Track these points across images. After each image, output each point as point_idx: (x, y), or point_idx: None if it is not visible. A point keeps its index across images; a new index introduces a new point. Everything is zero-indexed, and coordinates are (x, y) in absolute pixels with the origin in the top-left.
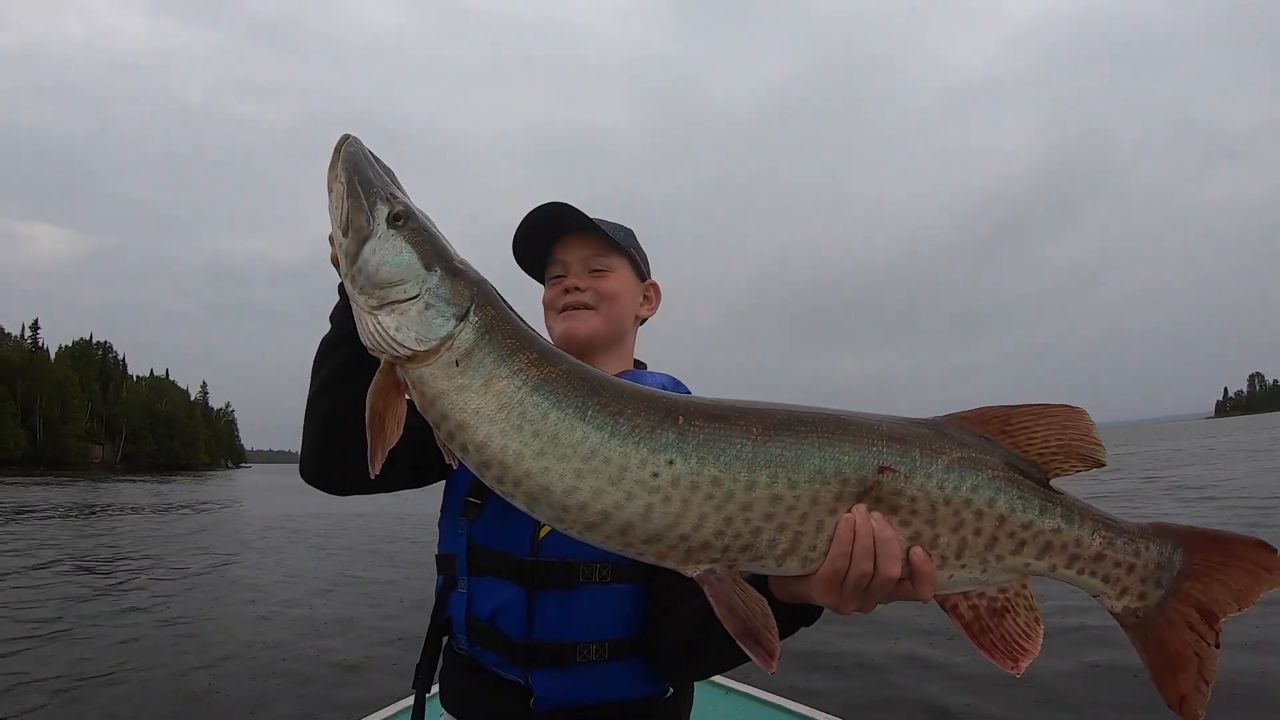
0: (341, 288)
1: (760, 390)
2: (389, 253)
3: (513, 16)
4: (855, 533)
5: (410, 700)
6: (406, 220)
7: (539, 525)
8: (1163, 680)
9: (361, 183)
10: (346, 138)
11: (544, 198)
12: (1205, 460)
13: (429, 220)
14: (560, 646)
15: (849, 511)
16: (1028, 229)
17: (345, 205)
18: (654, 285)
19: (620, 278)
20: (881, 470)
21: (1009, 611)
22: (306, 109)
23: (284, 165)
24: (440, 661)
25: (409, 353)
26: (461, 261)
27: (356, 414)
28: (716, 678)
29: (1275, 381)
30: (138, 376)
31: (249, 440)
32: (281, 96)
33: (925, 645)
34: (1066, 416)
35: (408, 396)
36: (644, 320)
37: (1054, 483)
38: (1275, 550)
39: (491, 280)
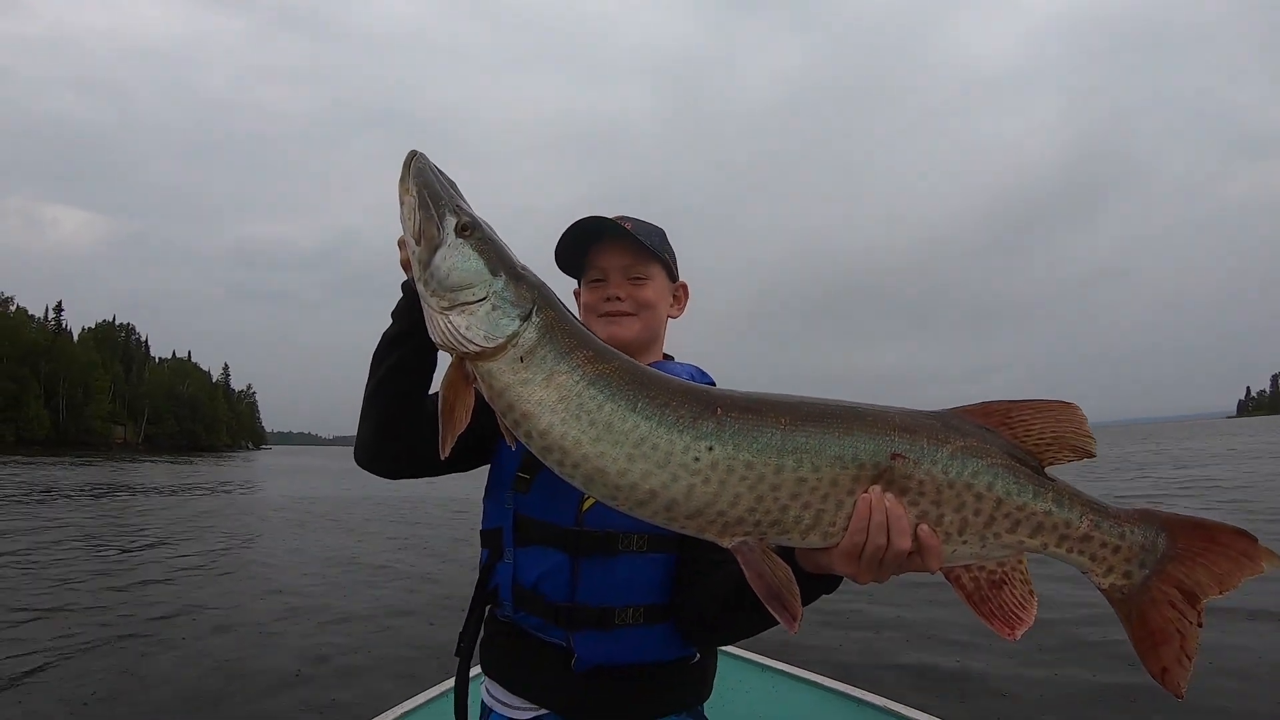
0: (406, 288)
1: (777, 382)
2: (458, 259)
3: (534, 3)
4: (871, 510)
5: (447, 684)
6: (474, 230)
7: (582, 498)
8: (1146, 652)
9: (431, 195)
10: (414, 154)
11: (564, 184)
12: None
13: (492, 229)
14: (601, 610)
15: (866, 492)
16: (1049, 222)
17: (418, 216)
18: (683, 286)
19: (656, 286)
20: (894, 457)
21: (1006, 584)
22: (330, 95)
23: (308, 151)
24: (481, 632)
25: (478, 349)
26: (523, 267)
27: (415, 404)
28: (751, 654)
29: None
30: (160, 358)
31: (269, 422)
32: (305, 83)
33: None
34: (1061, 411)
35: (475, 388)
36: (674, 318)
37: (1050, 470)
38: (1256, 539)
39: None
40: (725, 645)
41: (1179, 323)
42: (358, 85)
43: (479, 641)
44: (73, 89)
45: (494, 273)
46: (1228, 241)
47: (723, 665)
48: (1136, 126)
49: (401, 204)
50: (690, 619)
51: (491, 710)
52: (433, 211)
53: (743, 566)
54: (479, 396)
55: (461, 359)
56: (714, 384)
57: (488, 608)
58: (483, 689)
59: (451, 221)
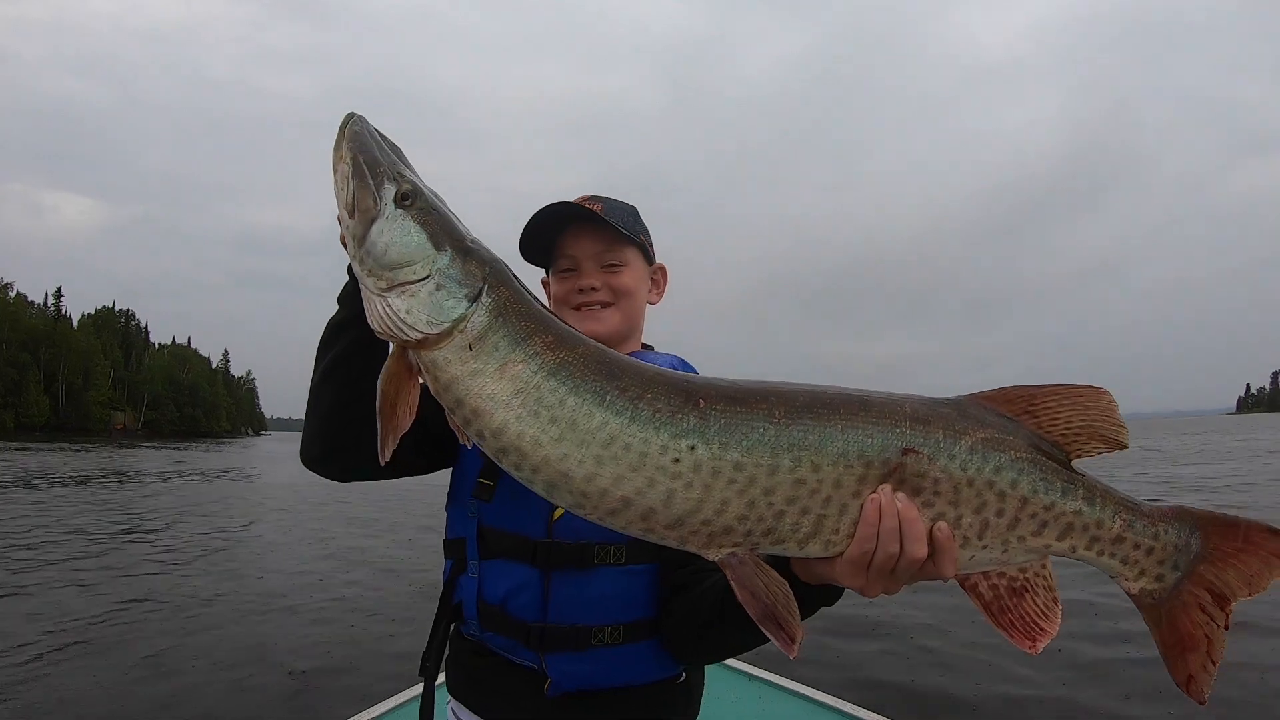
0: (351, 269)
1: (773, 371)
2: (397, 233)
3: None
4: (881, 514)
5: (418, 689)
6: (415, 199)
7: (553, 506)
8: (1173, 659)
9: (367, 161)
10: (351, 115)
11: (567, 167)
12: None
13: (439, 198)
14: (576, 630)
15: (873, 493)
16: (1049, 214)
17: (351, 185)
18: (661, 269)
19: (633, 271)
20: (905, 452)
21: (1028, 591)
22: (333, 79)
23: (310, 136)
24: (447, 648)
25: (420, 336)
26: (473, 240)
27: (363, 400)
28: (738, 664)
29: None
30: (160, 345)
31: (269, 408)
32: (308, 67)
33: (942, 630)
34: (1090, 398)
35: (421, 381)
36: (653, 304)
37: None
38: None
39: (506, 259)
40: (712, 661)
41: (1179, 318)
42: (360, 68)
43: (445, 659)
44: (74, 73)
45: (438, 247)
46: (1229, 237)
47: (709, 675)
48: (1139, 119)
49: (334, 172)
50: (677, 635)
51: None
52: (369, 180)
53: (733, 584)
54: (426, 391)
55: (404, 348)
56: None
57: (453, 624)
58: (449, 709)
59: (390, 190)
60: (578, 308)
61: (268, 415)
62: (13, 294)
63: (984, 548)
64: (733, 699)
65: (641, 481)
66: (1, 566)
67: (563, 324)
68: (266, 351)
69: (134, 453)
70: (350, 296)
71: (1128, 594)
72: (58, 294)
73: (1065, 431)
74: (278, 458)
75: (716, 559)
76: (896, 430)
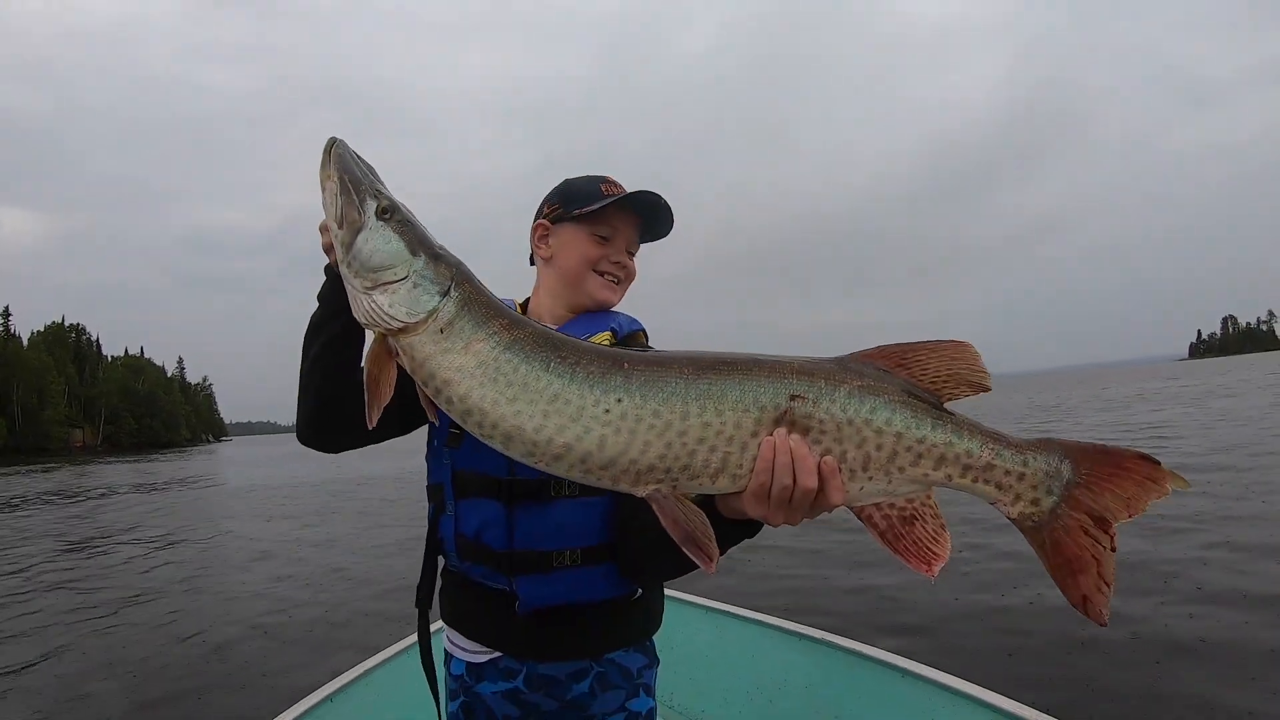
0: (328, 271)
1: (723, 340)
2: (379, 241)
3: None
4: (775, 451)
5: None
6: (393, 213)
7: None
8: (1064, 581)
9: (351, 181)
10: (334, 140)
11: (516, 152)
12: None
13: (410, 212)
14: (539, 554)
15: (770, 435)
16: (991, 178)
17: (339, 201)
18: None
19: (636, 260)
20: (792, 398)
21: (917, 520)
22: (277, 72)
23: (255, 131)
24: (439, 582)
25: (400, 325)
26: (440, 247)
27: (347, 382)
28: (700, 599)
29: (1247, 324)
30: (113, 357)
31: (228, 413)
32: (250, 60)
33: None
34: (955, 350)
35: (398, 362)
36: None
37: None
38: (1159, 463)
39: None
40: (664, 581)
41: (1128, 272)
42: (301, 61)
43: (437, 590)
44: (6, 79)
45: (414, 253)
46: (1177, 192)
47: (670, 611)
48: (1079, 79)
49: (323, 189)
50: (627, 560)
51: (452, 656)
52: (353, 196)
53: (658, 514)
54: (401, 369)
55: (384, 335)
56: (644, 330)
57: (440, 559)
58: (444, 637)
59: (372, 205)
60: (604, 273)
61: (227, 420)
62: None
63: (870, 479)
64: (688, 626)
65: (579, 430)
66: None
67: (513, 311)
68: (221, 355)
69: (97, 469)
70: (329, 295)
71: (1009, 519)
72: (5, 313)
73: (935, 379)
74: (244, 462)
75: (644, 495)
76: (784, 381)
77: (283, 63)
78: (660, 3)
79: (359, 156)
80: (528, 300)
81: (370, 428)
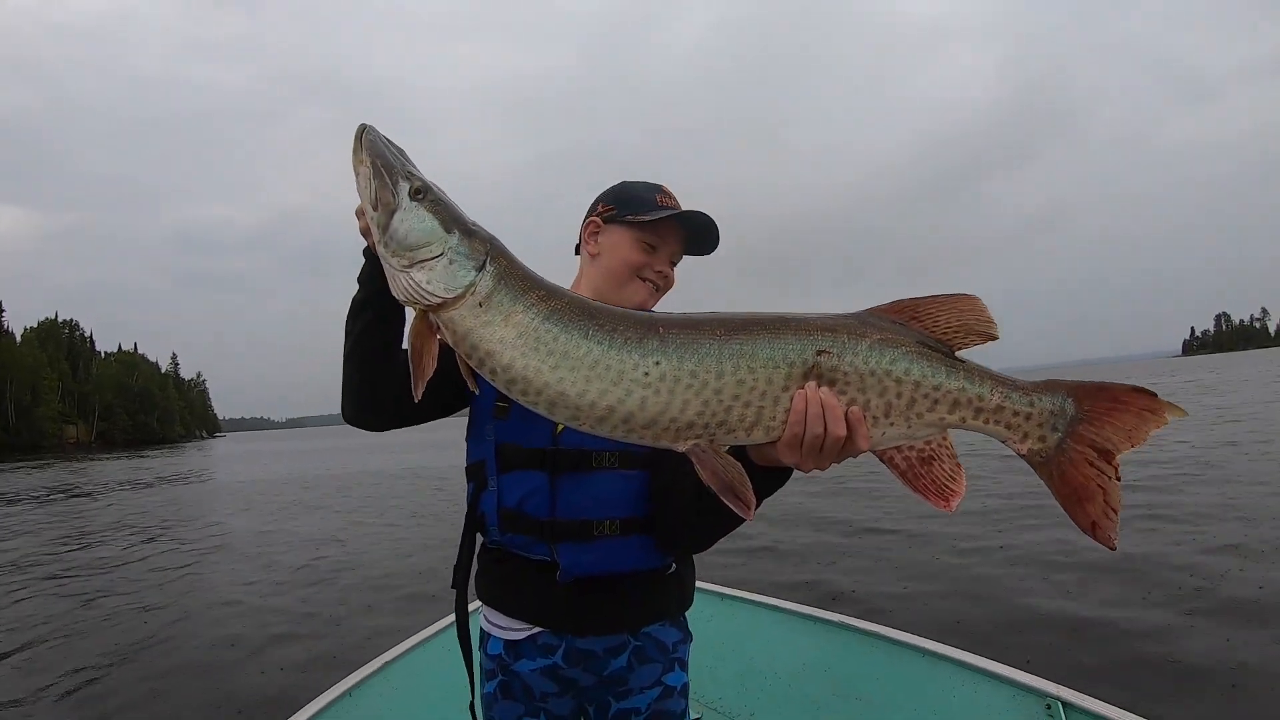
0: (367, 254)
1: None
2: (415, 221)
3: None
4: (807, 403)
5: (450, 619)
6: (426, 193)
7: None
8: (1073, 509)
9: (384, 164)
10: (364, 126)
11: (511, 149)
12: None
13: (443, 192)
14: (580, 523)
15: (800, 388)
16: (986, 173)
17: (374, 185)
18: None
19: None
20: (819, 353)
21: (935, 460)
22: (268, 69)
23: (248, 128)
24: (476, 565)
25: (439, 300)
26: (474, 224)
27: (389, 361)
28: (712, 586)
29: (1240, 321)
30: (106, 353)
31: (221, 409)
32: (242, 57)
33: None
34: (963, 302)
35: (440, 337)
36: None
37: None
38: (1156, 395)
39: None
40: (701, 549)
41: (1122, 268)
42: (295, 57)
43: (474, 574)
44: None
45: (448, 230)
46: (1171, 188)
47: (700, 604)
48: (1072, 75)
49: (357, 175)
50: (666, 528)
51: (490, 636)
52: (387, 179)
53: (697, 467)
54: (444, 345)
55: (425, 311)
56: None
57: (479, 542)
58: (481, 616)
59: (405, 186)
60: (646, 279)
61: (221, 417)
62: None
63: (891, 425)
64: (716, 616)
65: (621, 392)
66: None
67: (549, 282)
68: (215, 352)
69: (92, 466)
70: (369, 278)
71: (1020, 456)
72: None
73: (946, 330)
74: (239, 458)
75: (684, 449)
76: (811, 338)
77: (277, 59)
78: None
79: (389, 141)
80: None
81: (416, 400)
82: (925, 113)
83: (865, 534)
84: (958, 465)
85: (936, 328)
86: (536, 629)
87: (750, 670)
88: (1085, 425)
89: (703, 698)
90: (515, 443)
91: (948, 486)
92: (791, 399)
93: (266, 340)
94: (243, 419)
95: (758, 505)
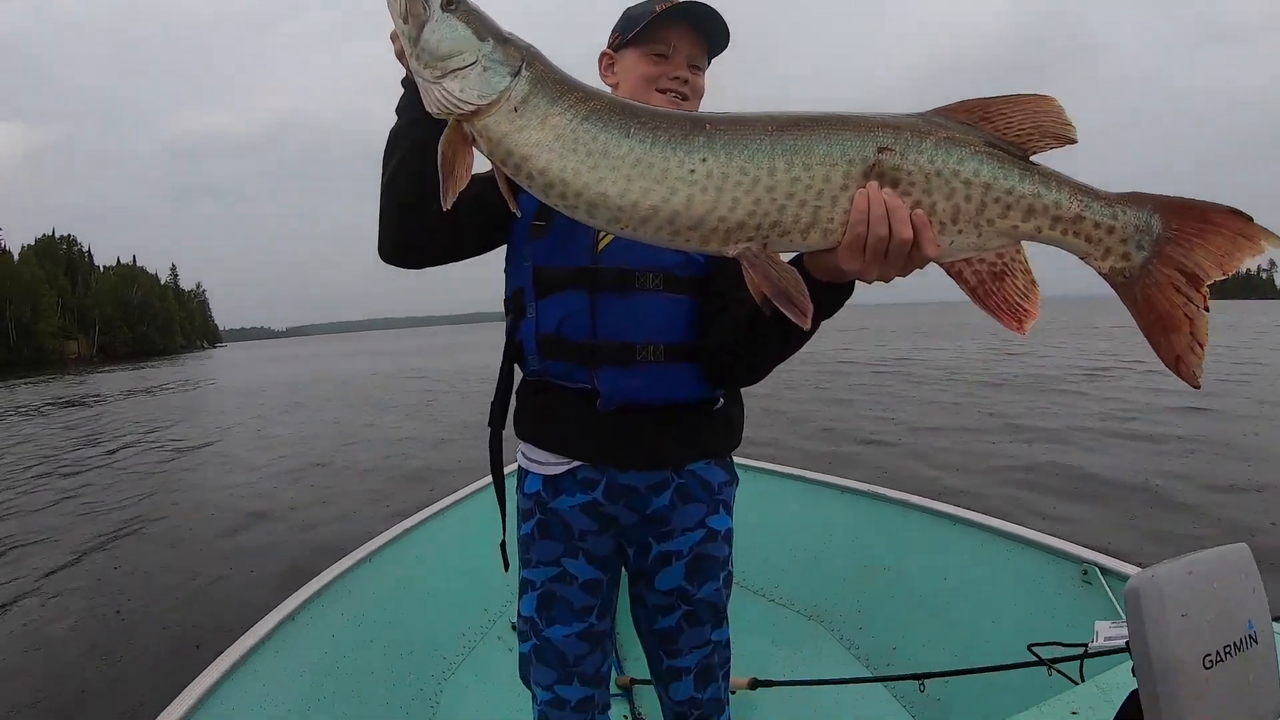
0: (406, 83)
1: None
2: (447, 30)
3: None
4: (870, 203)
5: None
6: (459, 4)
7: (597, 238)
8: (1157, 340)
9: None
10: None
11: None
12: None
13: (478, 5)
14: (622, 345)
15: (861, 187)
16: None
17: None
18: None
19: (704, 75)
20: (880, 150)
21: (1008, 275)
22: None
23: (238, 34)
24: (514, 403)
25: (473, 108)
26: (509, 33)
27: (429, 189)
28: (737, 459)
29: (1248, 271)
30: (105, 267)
31: (222, 320)
32: None
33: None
34: (1038, 102)
35: (475, 148)
36: None
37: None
38: (1251, 218)
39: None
40: (754, 379)
41: None
42: None
43: (512, 413)
44: None
45: (481, 38)
46: (1182, 130)
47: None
48: (1091, 9)
49: None
50: (715, 356)
51: (528, 473)
52: None
53: (749, 272)
54: (486, 177)
55: (459, 121)
56: None
57: (518, 379)
58: (519, 454)
59: None
60: (665, 90)
61: (221, 327)
62: None
63: (960, 232)
64: (743, 490)
65: (666, 191)
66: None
67: (587, 84)
68: (214, 262)
69: (94, 378)
70: (406, 105)
71: (1100, 275)
72: None
73: (1019, 132)
74: (241, 364)
75: (735, 254)
76: (871, 134)
77: None
78: None
79: None
80: None
81: (445, 209)
82: (928, 39)
83: (891, 422)
84: (1032, 283)
85: (1009, 129)
86: (576, 463)
87: (773, 542)
88: (1173, 246)
89: None
90: (553, 264)
91: (1020, 305)
92: (851, 199)
93: (265, 250)
94: (243, 329)
95: (818, 323)
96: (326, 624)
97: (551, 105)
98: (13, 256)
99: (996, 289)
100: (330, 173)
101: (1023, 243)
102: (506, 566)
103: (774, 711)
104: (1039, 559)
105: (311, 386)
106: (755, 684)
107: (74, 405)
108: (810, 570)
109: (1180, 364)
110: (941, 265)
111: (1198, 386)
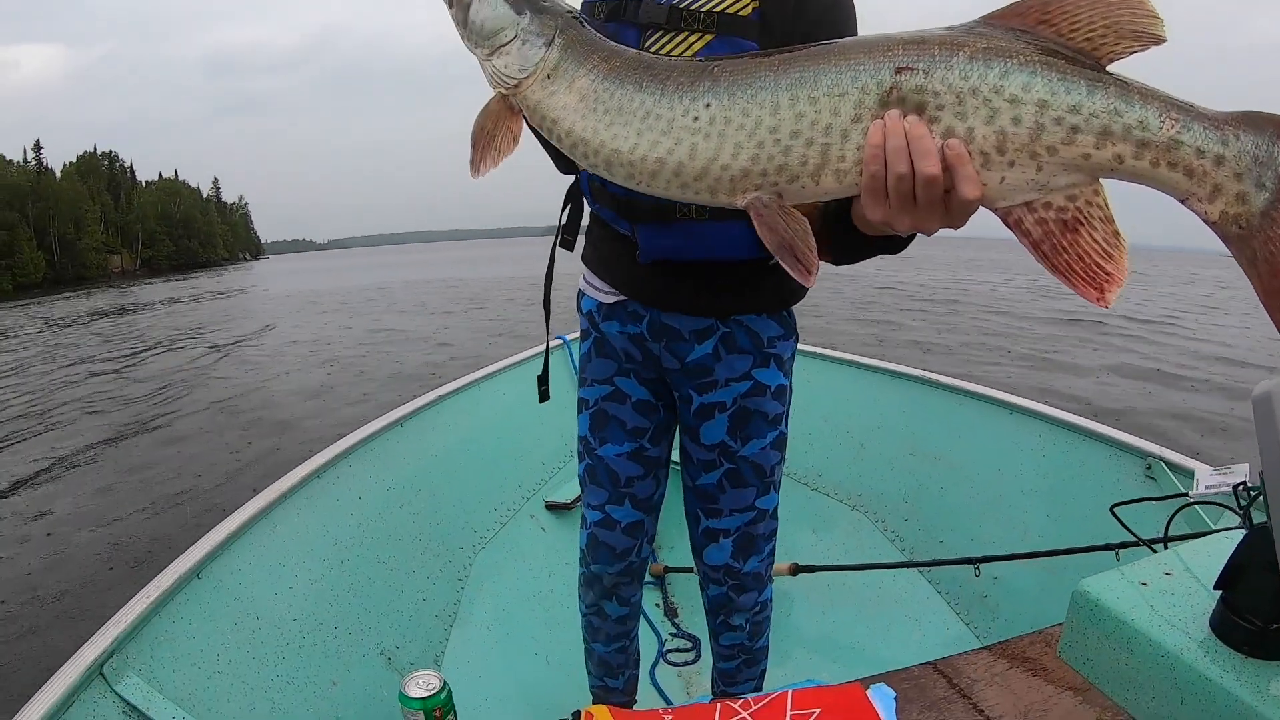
0: None
1: None
2: (488, 9)
3: None
4: (885, 134)
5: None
6: None
7: None
8: (1277, 311)
9: None
10: None
11: None
12: None
13: None
14: (659, 205)
15: (879, 118)
16: None
17: None
18: None
19: None
20: (899, 71)
21: (1082, 225)
22: None
23: None
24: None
25: (516, 81)
26: (549, 2)
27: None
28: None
29: None
30: (147, 182)
31: (264, 233)
32: None
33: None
34: None
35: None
36: None
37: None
38: None
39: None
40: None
41: None
42: None
43: (582, 229)
44: None
45: (519, 12)
46: (1242, 84)
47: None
48: None
49: None
50: None
51: (584, 294)
52: None
53: (755, 223)
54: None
55: (505, 94)
56: None
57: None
58: (581, 276)
59: None
60: None
61: (264, 239)
62: None
63: (1010, 166)
64: (808, 377)
65: (671, 142)
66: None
67: (615, 45)
68: (256, 175)
69: (137, 289)
70: None
71: (1207, 223)
72: (36, 147)
73: (1090, 35)
74: (286, 274)
75: (743, 205)
76: (889, 54)
77: None
78: None
79: None
80: None
81: (474, 178)
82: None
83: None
84: (1115, 234)
85: (1077, 32)
86: (622, 296)
87: (817, 429)
88: None
89: None
90: None
91: (1100, 267)
92: (865, 132)
93: (307, 162)
94: (285, 241)
95: (871, 254)
96: (354, 484)
97: (578, 68)
98: (55, 175)
99: (1069, 244)
100: (372, 86)
101: (1101, 181)
102: (542, 399)
103: (812, 594)
104: (1100, 451)
105: (364, 292)
106: (796, 570)
107: (119, 314)
108: (856, 459)
109: None
110: (996, 212)
111: None
